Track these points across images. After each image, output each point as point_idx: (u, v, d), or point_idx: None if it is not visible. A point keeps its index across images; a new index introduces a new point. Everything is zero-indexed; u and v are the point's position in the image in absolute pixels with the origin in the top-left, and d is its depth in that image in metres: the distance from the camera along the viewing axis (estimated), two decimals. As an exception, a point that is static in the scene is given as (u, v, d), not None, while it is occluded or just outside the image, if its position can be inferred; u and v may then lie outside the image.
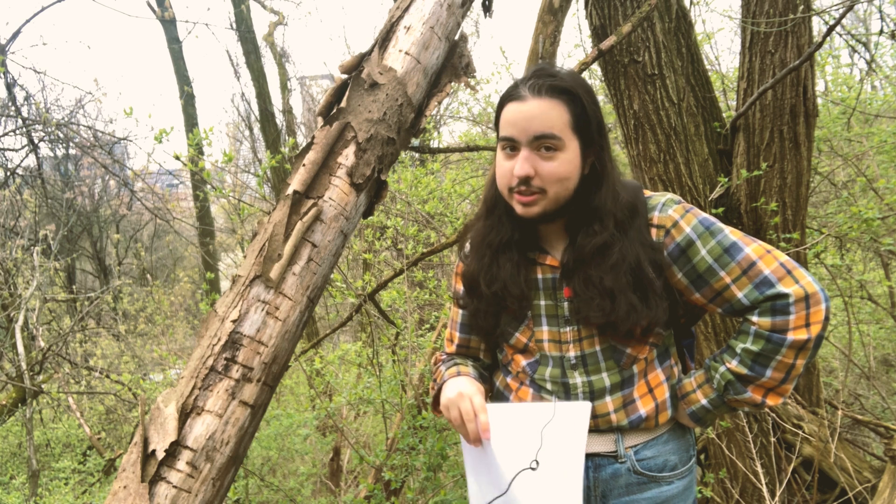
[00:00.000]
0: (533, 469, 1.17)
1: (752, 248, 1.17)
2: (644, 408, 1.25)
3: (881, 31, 3.47)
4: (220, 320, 1.36)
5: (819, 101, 3.46)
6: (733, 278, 1.17)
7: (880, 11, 3.36)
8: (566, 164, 1.19)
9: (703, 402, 1.24)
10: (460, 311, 1.45)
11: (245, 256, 1.46)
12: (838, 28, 3.50)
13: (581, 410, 1.20)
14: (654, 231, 1.22)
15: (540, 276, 1.29)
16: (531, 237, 1.30)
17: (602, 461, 1.25)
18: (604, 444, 1.25)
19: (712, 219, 1.22)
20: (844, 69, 4.91)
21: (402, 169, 4.61)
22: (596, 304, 1.19)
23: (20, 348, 4.64)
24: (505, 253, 1.29)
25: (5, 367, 5.53)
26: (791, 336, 1.12)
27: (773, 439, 2.84)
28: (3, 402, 5.01)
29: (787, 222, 3.04)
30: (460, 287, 1.43)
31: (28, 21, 7.52)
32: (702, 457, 3.42)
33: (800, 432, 2.85)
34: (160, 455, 1.23)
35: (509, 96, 1.23)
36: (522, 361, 1.32)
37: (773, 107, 2.99)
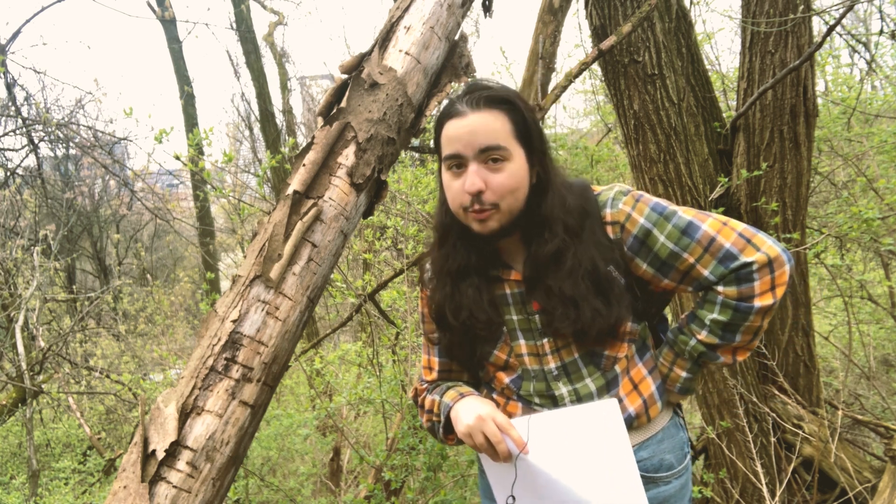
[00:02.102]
0: (589, 477, 1.15)
1: (708, 223, 1.16)
2: (632, 406, 1.24)
3: (881, 31, 3.47)
4: (220, 320, 1.37)
5: (819, 101, 3.46)
6: (696, 257, 1.16)
7: (880, 11, 3.36)
8: (515, 174, 1.18)
9: (684, 374, 1.27)
10: (437, 359, 1.42)
11: (245, 256, 1.46)
12: (838, 28, 3.50)
13: (611, 407, 1.18)
14: (609, 228, 1.21)
15: (508, 291, 1.28)
16: (492, 255, 1.29)
17: None
18: None
19: (664, 202, 1.21)
20: (844, 69, 4.91)
21: (402, 169, 4.61)
22: (560, 314, 1.18)
23: (20, 348, 4.64)
24: (465, 279, 1.28)
25: (5, 367, 5.54)
26: (758, 303, 1.14)
27: (773, 439, 2.84)
28: (3, 402, 5.01)
29: (787, 222, 3.04)
30: (426, 311, 1.41)
31: (28, 21, 7.51)
32: (702, 457, 3.42)
33: (800, 432, 2.85)
34: (160, 455, 1.23)
35: (447, 114, 1.21)
36: (505, 379, 1.31)
37: (773, 107, 2.99)
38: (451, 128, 1.20)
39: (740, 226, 1.17)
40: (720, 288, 1.16)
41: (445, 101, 1.28)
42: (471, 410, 1.20)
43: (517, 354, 1.28)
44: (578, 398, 1.25)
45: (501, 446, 1.15)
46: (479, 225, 1.20)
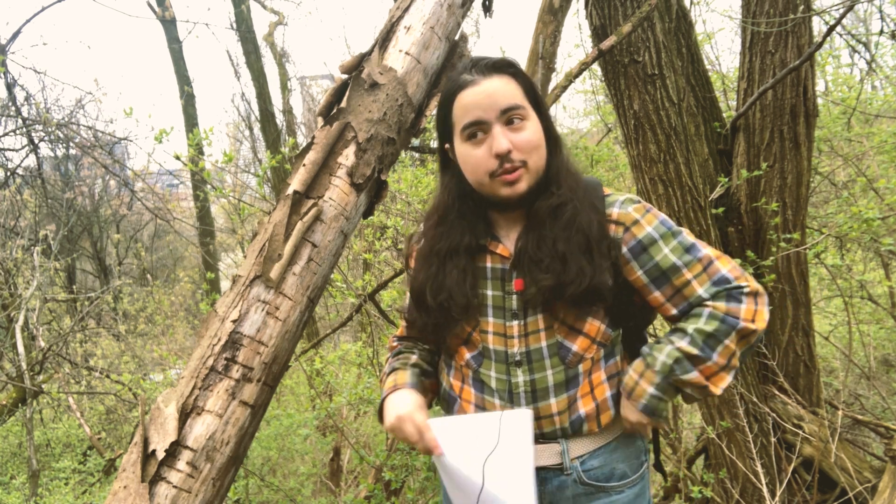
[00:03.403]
0: (484, 482, 1.16)
1: (708, 249, 1.22)
2: (584, 408, 1.23)
3: (881, 31, 3.47)
4: (220, 320, 1.37)
5: (819, 101, 3.46)
6: (694, 274, 1.19)
7: (880, 11, 3.36)
8: (536, 131, 1.20)
9: (650, 390, 1.19)
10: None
11: (245, 256, 1.46)
12: (838, 28, 3.50)
13: (523, 418, 1.18)
14: (612, 227, 1.22)
15: (489, 264, 1.27)
16: (484, 227, 1.28)
17: (547, 474, 1.23)
18: (549, 458, 1.23)
19: (671, 221, 1.24)
20: (845, 69, 4.91)
21: (402, 169, 4.61)
22: (546, 265, 1.18)
23: (20, 348, 4.64)
24: (452, 259, 1.27)
25: (5, 367, 5.54)
26: (742, 322, 1.15)
27: (773, 439, 2.84)
28: (4, 402, 5.01)
29: (787, 222, 3.04)
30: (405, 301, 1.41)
31: (28, 21, 7.52)
32: (702, 457, 3.41)
33: (800, 432, 2.85)
34: (160, 455, 1.23)
35: (458, 86, 1.22)
36: (466, 354, 1.30)
37: (773, 107, 2.99)
38: (467, 96, 1.20)
39: (733, 261, 1.23)
40: (710, 302, 1.18)
41: (446, 80, 1.28)
42: (394, 409, 1.25)
43: (482, 330, 1.27)
44: (534, 391, 1.23)
45: (419, 446, 1.20)
46: (508, 188, 1.19)
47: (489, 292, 1.26)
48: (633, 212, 1.22)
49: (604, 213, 1.22)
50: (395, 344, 1.50)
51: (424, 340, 1.46)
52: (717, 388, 1.18)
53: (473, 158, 1.20)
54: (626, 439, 1.28)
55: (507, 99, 1.17)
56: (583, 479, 1.22)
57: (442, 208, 1.32)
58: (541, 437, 1.23)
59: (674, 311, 1.23)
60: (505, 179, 1.18)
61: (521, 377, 1.23)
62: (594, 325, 1.22)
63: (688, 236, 1.22)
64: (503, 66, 1.21)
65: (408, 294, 1.42)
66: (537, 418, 1.23)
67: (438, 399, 1.42)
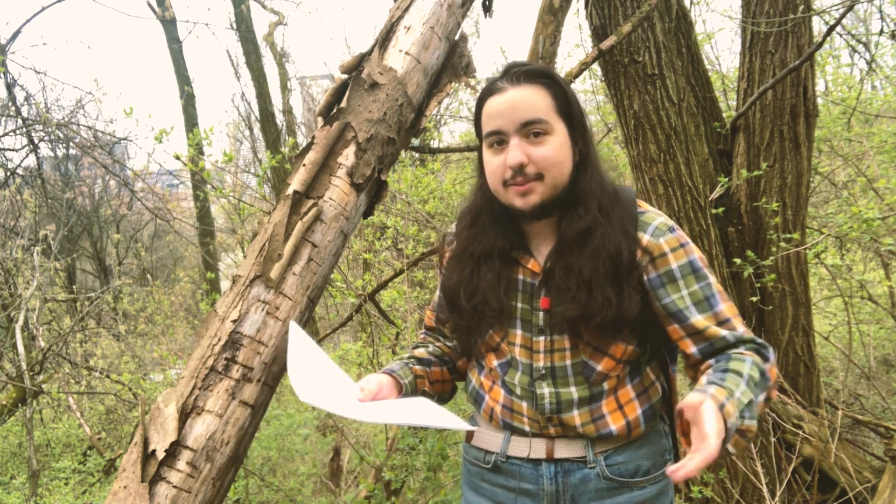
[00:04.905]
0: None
1: (726, 305, 1.18)
2: (614, 424, 1.22)
3: (881, 31, 3.47)
4: (220, 320, 1.36)
5: (819, 101, 3.46)
6: (718, 321, 1.17)
7: (880, 11, 3.36)
8: (558, 147, 1.17)
9: (734, 417, 0.98)
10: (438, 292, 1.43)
11: (245, 256, 1.46)
12: (838, 28, 3.50)
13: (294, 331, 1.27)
14: (639, 252, 1.19)
15: (521, 277, 1.26)
16: (518, 239, 1.27)
17: (571, 466, 1.23)
18: (573, 450, 1.23)
19: (700, 263, 1.19)
20: (845, 69, 4.91)
21: (402, 169, 4.61)
22: (571, 296, 1.16)
23: (20, 348, 4.64)
24: (487, 262, 1.26)
25: (5, 367, 5.53)
26: (772, 381, 1.12)
27: (773, 439, 2.83)
28: (3, 402, 5.01)
29: (787, 222, 3.04)
30: (435, 296, 1.41)
31: (28, 21, 7.52)
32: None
33: (800, 432, 2.85)
34: (160, 455, 1.23)
35: (488, 92, 1.21)
36: (494, 361, 1.30)
37: (773, 107, 2.99)
38: (492, 104, 1.19)
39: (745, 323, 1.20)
40: (745, 351, 1.13)
41: (483, 83, 1.27)
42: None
43: (510, 342, 1.27)
44: (559, 402, 1.23)
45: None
46: (520, 200, 1.18)
47: (519, 304, 1.26)
48: (663, 244, 1.18)
49: (634, 238, 1.19)
50: (421, 336, 1.51)
51: (451, 337, 1.46)
52: (736, 450, 1.04)
53: (491, 166, 1.21)
54: (651, 436, 1.28)
55: (529, 112, 1.15)
56: (606, 474, 1.22)
57: (476, 210, 1.30)
58: (564, 438, 1.24)
59: (692, 350, 1.18)
60: (517, 191, 1.17)
61: (546, 389, 1.24)
62: (620, 347, 1.21)
63: (713, 285, 1.18)
64: (535, 76, 1.18)
65: (437, 293, 1.42)
66: (561, 424, 1.23)
67: (468, 395, 1.42)
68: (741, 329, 1.17)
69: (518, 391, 1.26)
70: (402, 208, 4.35)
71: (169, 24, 10.30)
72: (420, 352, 1.42)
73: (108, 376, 5.77)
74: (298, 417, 3.84)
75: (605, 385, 1.23)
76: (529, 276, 1.25)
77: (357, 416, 1.13)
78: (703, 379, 1.09)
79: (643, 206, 1.24)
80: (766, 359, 1.13)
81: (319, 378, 1.23)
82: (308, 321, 1.50)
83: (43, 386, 5.02)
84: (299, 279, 1.41)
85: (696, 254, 1.19)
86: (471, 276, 1.26)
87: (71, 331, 6.05)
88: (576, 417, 1.22)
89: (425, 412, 1.19)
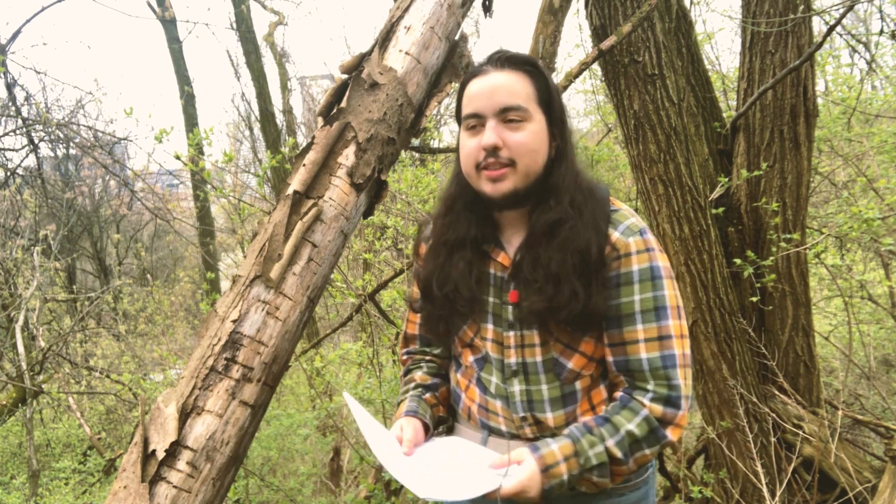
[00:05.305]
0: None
1: (676, 322, 1.15)
2: None
3: (881, 31, 3.46)
4: (220, 320, 1.36)
5: (819, 101, 3.46)
6: (647, 337, 1.14)
7: (880, 11, 3.35)
8: (534, 135, 1.16)
9: (565, 477, 1.09)
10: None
11: (245, 256, 1.46)
12: (838, 28, 3.50)
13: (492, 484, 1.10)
14: (608, 248, 1.17)
15: (492, 271, 1.25)
16: (490, 229, 1.26)
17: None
18: None
19: (663, 272, 1.16)
20: (845, 69, 4.90)
21: (402, 168, 4.61)
22: (538, 288, 1.15)
23: (20, 348, 4.64)
24: (459, 251, 1.25)
25: (5, 367, 5.53)
26: (669, 435, 1.12)
27: (773, 439, 2.83)
28: (4, 402, 5.01)
29: (787, 222, 3.04)
30: (415, 290, 1.41)
31: (28, 21, 7.51)
32: (702, 457, 3.41)
33: (800, 432, 2.85)
34: (160, 455, 1.23)
35: (471, 75, 1.21)
36: (470, 357, 1.30)
37: (773, 107, 2.99)
38: (473, 87, 1.19)
39: (688, 349, 1.17)
40: (647, 402, 1.13)
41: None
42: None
43: (483, 337, 1.27)
44: (530, 400, 1.22)
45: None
46: (490, 186, 1.16)
47: (490, 298, 1.25)
48: (632, 243, 1.15)
49: (605, 235, 1.16)
50: (404, 358, 1.48)
51: (432, 341, 1.45)
52: (610, 484, 1.14)
53: (465, 148, 1.19)
54: None
55: (509, 97, 1.15)
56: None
57: (450, 198, 1.30)
58: (541, 438, 1.22)
59: (610, 359, 1.19)
60: (489, 175, 1.16)
61: (517, 387, 1.23)
62: (590, 345, 1.20)
63: (667, 297, 1.14)
64: (519, 62, 1.18)
65: (415, 286, 1.41)
66: (537, 423, 1.23)
67: (448, 394, 1.42)
68: (676, 351, 1.13)
69: (492, 388, 1.26)
70: (402, 208, 4.35)
71: (169, 24, 10.30)
72: (420, 376, 1.40)
73: (108, 376, 5.77)
74: (298, 417, 3.84)
75: (578, 384, 1.21)
76: (500, 269, 1.24)
77: (429, 494, 1.13)
78: (578, 423, 1.16)
79: (617, 203, 1.23)
80: (672, 405, 1.12)
81: (391, 450, 1.22)
82: (308, 321, 1.50)
83: (43, 386, 5.02)
84: (299, 279, 1.41)
85: (662, 262, 1.17)
86: (443, 264, 1.26)
87: (71, 331, 6.05)
88: (551, 419, 1.21)
89: (466, 475, 1.17)
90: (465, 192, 1.25)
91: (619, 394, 1.18)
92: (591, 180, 1.23)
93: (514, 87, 1.16)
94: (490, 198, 1.18)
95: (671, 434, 1.12)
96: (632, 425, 1.11)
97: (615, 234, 1.17)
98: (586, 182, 1.21)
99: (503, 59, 1.18)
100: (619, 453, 1.10)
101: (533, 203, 1.20)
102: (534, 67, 1.19)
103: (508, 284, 1.22)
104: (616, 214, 1.19)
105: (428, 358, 1.45)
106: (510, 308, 1.22)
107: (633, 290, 1.15)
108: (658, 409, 1.12)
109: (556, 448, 1.11)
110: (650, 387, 1.14)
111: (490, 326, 1.25)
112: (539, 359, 1.21)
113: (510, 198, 1.17)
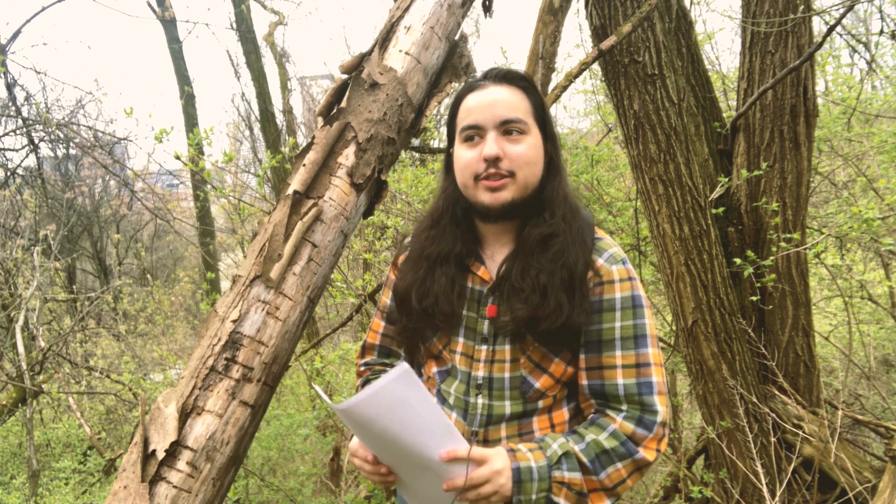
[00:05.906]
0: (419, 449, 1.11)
1: (654, 350, 1.17)
2: None
3: (881, 31, 3.47)
4: (220, 320, 1.36)
5: (819, 101, 3.46)
6: (625, 363, 1.15)
7: (880, 11, 3.36)
8: (533, 148, 1.19)
9: (532, 464, 1.08)
10: (383, 323, 1.43)
11: (245, 256, 1.46)
12: (838, 28, 3.50)
13: (406, 376, 1.01)
14: (590, 273, 1.18)
15: (469, 284, 1.26)
16: (472, 244, 1.27)
17: None
18: None
19: (643, 301, 1.18)
20: (845, 69, 4.90)
21: (402, 168, 4.61)
22: (525, 297, 1.15)
23: (20, 348, 4.64)
24: (442, 266, 1.25)
25: (5, 367, 5.53)
26: (641, 452, 1.12)
27: (773, 439, 2.83)
28: (4, 402, 5.01)
29: (787, 222, 3.04)
30: (385, 299, 1.41)
31: (28, 21, 7.50)
32: (702, 457, 3.41)
33: (800, 432, 2.85)
34: (160, 455, 1.23)
35: (468, 89, 1.23)
36: (434, 368, 1.30)
37: (773, 107, 2.99)
38: (472, 100, 1.20)
39: (665, 376, 1.18)
40: (618, 419, 1.14)
41: (461, 85, 1.29)
42: (351, 444, 1.21)
43: (451, 349, 1.27)
44: (489, 415, 1.21)
45: (369, 476, 1.17)
46: (490, 196, 1.17)
47: (465, 312, 1.26)
48: (615, 271, 1.18)
49: (590, 253, 1.19)
50: (362, 369, 1.47)
51: (392, 352, 1.45)
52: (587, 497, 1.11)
53: (462, 160, 1.20)
54: None
55: (510, 111, 1.17)
56: None
57: (437, 213, 1.30)
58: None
59: (584, 382, 1.19)
60: (488, 185, 1.17)
61: (479, 400, 1.23)
62: (560, 367, 1.20)
63: (647, 326, 1.16)
64: (516, 79, 1.22)
65: (387, 295, 1.42)
66: (486, 440, 1.22)
67: None
68: (653, 378, 1.15)
69: (451, 400, 1.26)
70: (402, 208, 4.35)
71: (169, 24, 10.30)
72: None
73: (108, 376, 5.77)
74: (298, 417, 3.84)
75: (540, 403, 1.22)
76: (479, 283, 1.25)
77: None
78: (553, 434, 1.16)
79: (600, 232, 1.25)
80: (644, 426, 1.13)
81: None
82: (308, 321, 1.50)
83: (43, 386, 5.02)
84: (299, 279, 1.41)
85: (641, 292, 1.19)
86: (424, 277, 1.26)
87: (71, 331, 6.05)
88: (502, 430, 1.21)
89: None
90: (454, 207, 1.27)
91: (589, 415, 1.20)
92: (577, 200, 1.27)
93: (513, 102, 1.19)
94: (487, 208, 1.19)
95: (644, 453, 1.12)
96: (598, 436, 1.13)
97: (599, 261, 1.19)
98: (573, 201, 1.25)
99: (500, 75, 1.22)
100: (584, 458, 1.11)
101: (523, 216, 1.22)
102: (529, 84, 1.23)
103: (487, 298, 1.23)
104: (600, 242, 1.22)
105: (387, 370, 1.44)
106: (486, 322, 1.23)
107: (615, 316, 1.16)
108: (629, 427, 1.13)
109: (522, 446, 1.13)
110: (623, 408, 1.15)
111: (461, 340, 1.25)
112: (507, 375, 1.21)
113: (507, 208, 1.18)
